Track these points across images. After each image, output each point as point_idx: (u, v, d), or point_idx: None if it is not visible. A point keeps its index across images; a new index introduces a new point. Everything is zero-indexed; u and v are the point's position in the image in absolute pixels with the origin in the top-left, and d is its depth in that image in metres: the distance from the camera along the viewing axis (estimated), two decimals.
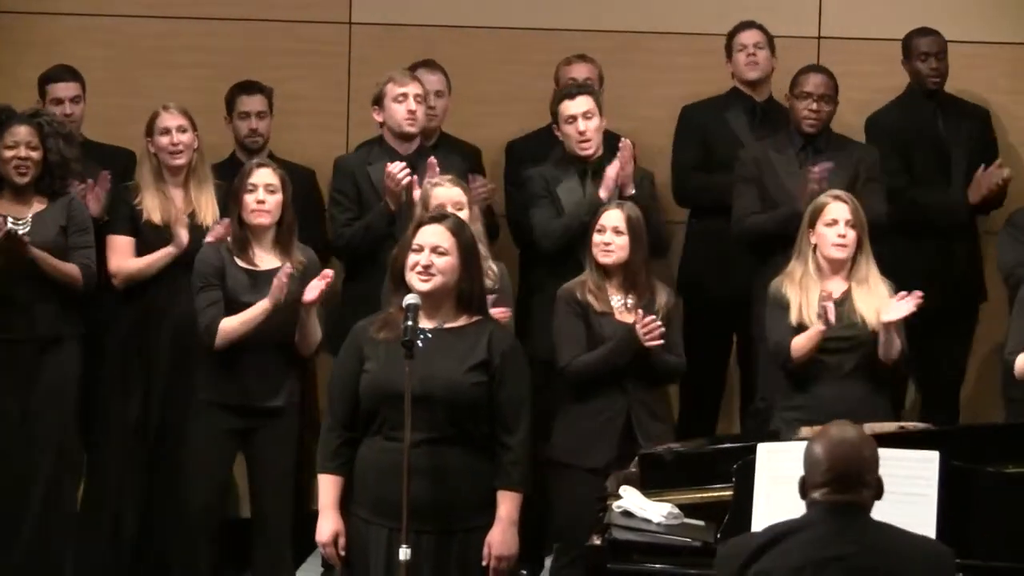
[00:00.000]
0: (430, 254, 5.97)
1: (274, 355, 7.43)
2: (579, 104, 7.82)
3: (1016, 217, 8.08)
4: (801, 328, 7.06)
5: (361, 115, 8.56)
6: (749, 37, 8.55)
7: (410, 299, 5.91)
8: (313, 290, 7.20)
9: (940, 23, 8.63)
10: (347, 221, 8.01)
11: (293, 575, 7.79)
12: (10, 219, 7.46)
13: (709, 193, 8.42)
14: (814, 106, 8.10)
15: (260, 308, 7.24)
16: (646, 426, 7.20)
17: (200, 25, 8.99)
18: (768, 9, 8.73)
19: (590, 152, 7.80)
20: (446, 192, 7.06)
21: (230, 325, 7.29)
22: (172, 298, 7.83)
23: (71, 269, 7.58)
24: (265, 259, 7.34)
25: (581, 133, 7.79)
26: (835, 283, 7.12)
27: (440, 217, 6.22)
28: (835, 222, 7.04)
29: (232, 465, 7.61)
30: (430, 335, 5.94)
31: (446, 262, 5.99)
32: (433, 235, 6.02)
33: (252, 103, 8.40)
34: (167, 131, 7.84)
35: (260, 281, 7.33)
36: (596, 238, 7.22)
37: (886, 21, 8.73)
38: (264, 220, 7.30)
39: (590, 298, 7.28)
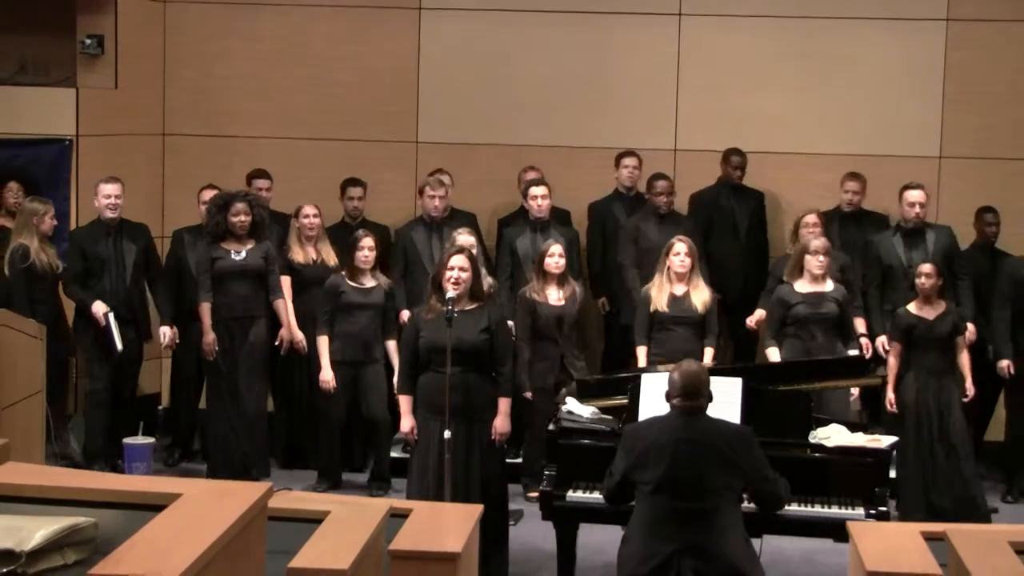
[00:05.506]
0: (458, 271, 6.14)
1: (370, 337, 7.50)
2: (540, 190, 7.93)
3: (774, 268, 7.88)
4: (655, 312, 7.06)
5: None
6: (630, 161, 8.42)
7: (450, 294, 6.04)
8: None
9: (745, 141, 8.46)
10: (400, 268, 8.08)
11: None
12: (233, 252, 7.56)
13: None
14: (664, 198, 8.02)
15: (323, 344, 7.48)
16: (568, 366, 7.21)
17: (326, 143, 8.87)
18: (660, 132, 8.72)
19: (542, 216, 7.91)
20: (464, 238, 7.04)
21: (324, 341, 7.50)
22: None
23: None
24: (367, 281, 7.49)
25: (539, 207, 7.89)
26: (679, 287, 7.11)
27: (461, 249, 6.35)
28: (679, 253, 7.06)
29: (352, 393, 7.60)
30: (457, 314, 6.01)
31: (466, 275, 6.15)
32: (459, 260, 6.17)
33: (356, 192, 8.35)
34: (307, 216, 7.98)
35: (363, 293, 7.46)
36: (548, 261, 7.22)
37: (714, 140, 8.58)
38: (366, 266, 7.47)
39: (535, 296, 7.28)
